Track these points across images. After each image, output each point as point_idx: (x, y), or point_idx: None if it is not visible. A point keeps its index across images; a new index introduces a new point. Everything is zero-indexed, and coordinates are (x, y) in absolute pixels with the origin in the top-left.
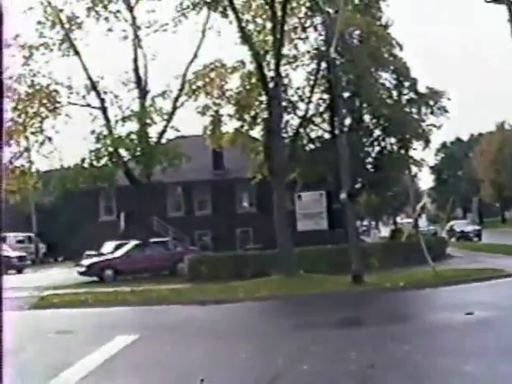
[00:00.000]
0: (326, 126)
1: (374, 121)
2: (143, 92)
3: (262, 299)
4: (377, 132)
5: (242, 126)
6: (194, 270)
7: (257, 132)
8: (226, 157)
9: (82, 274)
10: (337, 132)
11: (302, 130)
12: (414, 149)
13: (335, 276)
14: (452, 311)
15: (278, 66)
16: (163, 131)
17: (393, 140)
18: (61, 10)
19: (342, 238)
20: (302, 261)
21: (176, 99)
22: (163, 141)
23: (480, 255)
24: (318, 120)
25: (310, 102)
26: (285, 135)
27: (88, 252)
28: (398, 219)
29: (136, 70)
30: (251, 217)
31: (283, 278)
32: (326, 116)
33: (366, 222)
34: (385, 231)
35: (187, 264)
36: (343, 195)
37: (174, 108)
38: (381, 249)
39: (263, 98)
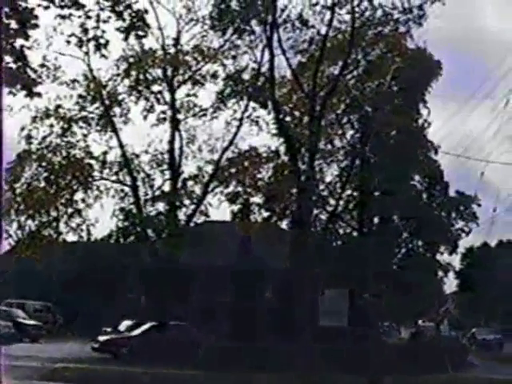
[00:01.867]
0: (354, 223)
1: (403, 222)
2: (176, 174)
3: None
4: (405, 234)
5: (270, 217)
6: (210, 357)
7: (285, 224)
8: (253, 245)
9: (95, 349)
10: (365, 230)
11: (330, 226)
12: (441, 253)
13: (352, 376)
14: None
15: (312, 159)
16: (192, 214)
17: (420, 242)
18: (104, 86)
19: (362, 336)
20: (320, 357)
21: (207, 184)
22: (191, 224)
23: (502, 365)
24: (346, 217)
25: (340, 198)
26: (313, 229)
27: (105, 328)
28: (420, 322)
29: (171, 151)
30: (273, 308)
31: (299, 374)
32: (354, 213)
33: (386, 323)
34: (405, 333)
35: (204, 351)
36: (366, 295)
37: (205, 192)
38: (400, 351)
39: (294, 190)
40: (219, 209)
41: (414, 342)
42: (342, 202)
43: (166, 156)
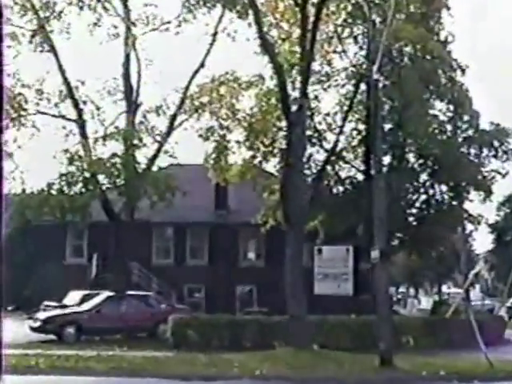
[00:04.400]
0: (359, 163)
1: (421, 161)
2: (133, 105)
3: (263, 378)
4: (423, 176)
5: (253, 157)
6: (180, 334)
7: (272, 166)
8: (231, 194)
9: (35, 330)
10: (373, 172)
11: (328, 168)
12: (471, 200)
13: (358, 354)
14: None
15: (304, 84)
16: (155, 156)
17: (444, 187)
18: None
19: (370, 306)
20: (317, 332)
21: (173, 117)
22: (154, 168)
23: None
24: (349, 156)
25: (341, 132)
26: (307, 172)
27: (47, 302)
28: (444, 288)
29: (126, 76)
30: (257, 272)
31: (292, 353)
32: (359, 151)
33: (402, 289)
34: (426, 302)
35: (171, 326)
36: (375, 253)
37: (171, 128)
38: (419, 324)
39: (283, 123)
40: (189, 149)
41: (436, 314)
42: (343, 138)
43: (121, 82)
